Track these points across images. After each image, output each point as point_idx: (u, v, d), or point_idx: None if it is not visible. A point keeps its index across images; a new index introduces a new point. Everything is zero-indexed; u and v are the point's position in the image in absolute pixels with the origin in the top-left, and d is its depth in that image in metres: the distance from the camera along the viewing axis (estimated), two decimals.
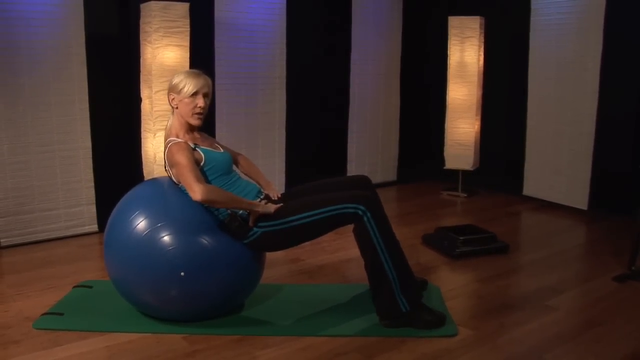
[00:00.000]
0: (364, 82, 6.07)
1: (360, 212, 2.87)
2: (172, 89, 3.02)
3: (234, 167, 3.24)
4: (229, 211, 2.92)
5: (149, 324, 3.00)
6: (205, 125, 4.87)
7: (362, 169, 6.16)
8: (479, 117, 5.95)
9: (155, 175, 4.39)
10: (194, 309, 2.98)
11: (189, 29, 4.40)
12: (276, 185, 5.22)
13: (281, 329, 2.98)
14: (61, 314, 3.10)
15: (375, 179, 6.33)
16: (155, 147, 4.37)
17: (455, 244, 4.10)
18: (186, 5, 4.37)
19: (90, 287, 3.48)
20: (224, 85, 5.07)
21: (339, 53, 5.98)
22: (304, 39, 5.71)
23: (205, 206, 2.92)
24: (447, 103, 5.99)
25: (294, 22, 5.46)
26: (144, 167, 4.58)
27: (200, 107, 3.01)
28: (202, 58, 4.82)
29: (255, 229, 2.93)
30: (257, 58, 5.26)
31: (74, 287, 3.49)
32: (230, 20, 5.01)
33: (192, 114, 3.02)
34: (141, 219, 2.89)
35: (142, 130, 4.55)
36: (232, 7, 5.01)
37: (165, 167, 3.05)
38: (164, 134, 3.16)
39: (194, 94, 2.99)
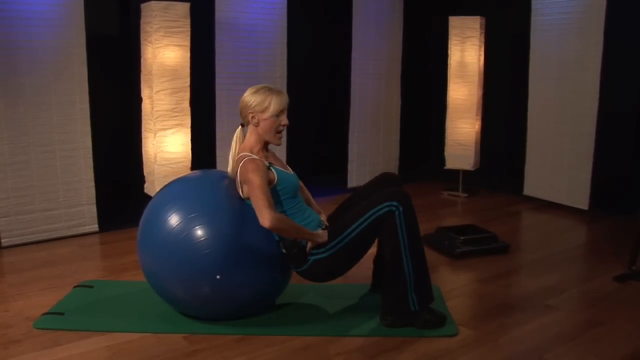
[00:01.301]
0: (364, 82, 6.07)
1: (393, 208, 2.87)
2: (255, 107, 2.95)
3: None
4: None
5: (149, 323, 3.00)
6: (205, 125, 4.91)
7: (363, 169, 6.16)
8: (479, 117, 5.95)
9: (155, 175, 4.40)
10: (225, 308, 2.98)
11: (189, 29, 4.42)
12: None
13: (282, 329, 2.98)
14: (62, 314, 3.10)
15: None
16: (155, 147, 4.38)
17: (455, 244, 4.10)
18: (187, 5, 4.38)
19: (91, 286, 3.48)
20: (224, 86, 5.07)
21: (340, 53, 5.98)
22: (304, 39, 5.72)
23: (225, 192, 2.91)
24: (447, 103, 5.99)
25: (294, 22, 5.46)
26: (144, 166, 4.59)
27: (284, 125, 3.01)
28: (202, 58, 4.84)
29: (308, 257, 2.94)
30: (258, 58, 5.26)
31: (75, 287, 3.49)
32: (231, 20, 5.01)
33: (276, 133, 3.00)
34: (180, 219, 2.85)
35: (142, 130, 4.56)
36: (232, 7, 5.01)
37: (235, 181, 2.99)
38: (232, 146, 3.09)
39: (281, 112, 2.98)
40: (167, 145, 4.42)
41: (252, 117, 2.97)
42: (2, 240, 4.19)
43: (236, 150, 3.07)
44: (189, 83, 4.47)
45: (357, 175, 6.13)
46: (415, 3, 6.43)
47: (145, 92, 4.46)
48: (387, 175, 3.33)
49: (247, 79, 5.23)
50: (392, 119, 6.40)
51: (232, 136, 3.14)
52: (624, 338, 2.92)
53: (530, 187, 5.72)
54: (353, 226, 2.91)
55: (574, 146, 5.26)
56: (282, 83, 5.42)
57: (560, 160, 5.38)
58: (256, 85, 3.03)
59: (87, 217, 4.52)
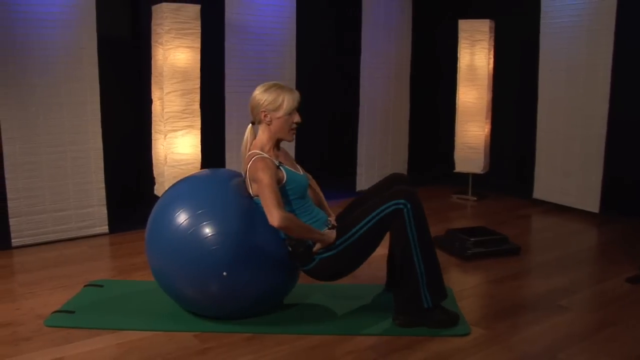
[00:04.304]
0: (374, 85, 6.07)
1: (401, 206, 2.87)
2: (268, 106, 2.94)
3: None
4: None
5: (160, 322, 3.00)
6: (215, 127, 4.92)
7: (372, 172, 6.15)
8: (489, 120, 5.94)
9: (165, 177, 4.40)
10: (233, 306, 2.97)
11: (200, 31, 4.42)
12: None
13: (292, 328, 2.97)
14: (72, 312, 3.10)
15: None
16: (165, 148, 4.38)
17: (466, 246, 4.08)
18: (197, 7, 4.39)
19: (101, 286, 3.48)
20: (234, 88, 5.07)
21: (349, 56, 5.98)
22: (314, 42, 5.73)
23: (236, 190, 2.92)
24: (457, 106, 5.98)
25: (304, 25, 5.47)
26: (154, 168, 4.60)
27: (297, 122, 2.99)
28: (212, 60, 4.85)
29: (314, 257, 2.93)
30: (267, 60, 5.27)
31: (85, 286, 3.49)
32: (241, 22, 5.02)
33: (289, 130, 2.99)
34: (187, 216, 2.85)
35: (152, 131, 4.57)
36: (242, 9, 5.02)
37: (244, 178, 3.00)
38: (243, 144, 3.09)
39: (293, 111, 2.97)
40: (177, 146, 4.42)
41: (265, 116, 2.96)
42: (13, 241, 4.19)
43: (247, 148, 3.06)
44: (199, 85, 4.47)
45: (366, 178, 6.11)
46: (424, 6, 6.43)
47: (155, 94, 4.47)
48: (395, 175, 3.33)
49: (256, 81, 5.13)
50: (401, 122, 6.39)
51: (242, 138, 3.15)
52: (638, 339, 2.89)
53: (540, 191, 5.69)
54: (360, 225, 2.90)
55: (584, 149, 5.24)
56: (291, 85, 5.39)
57: (571, 163, 5.36)
58: (267, 83, 3.03)
59: (97, 218, 4.52)
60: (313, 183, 3.33)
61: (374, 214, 2.89)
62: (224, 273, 2.80)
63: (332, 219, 3.13)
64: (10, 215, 4.17)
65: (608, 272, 3.83)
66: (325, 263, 2.93)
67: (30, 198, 4.23)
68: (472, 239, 4.09)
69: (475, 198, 5.92)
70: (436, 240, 4.35)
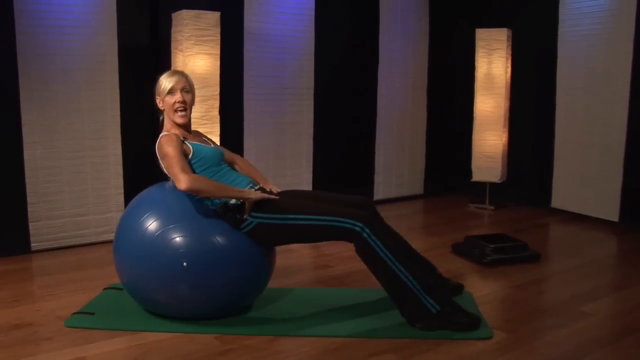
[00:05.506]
0: (391, 94, 6.07)
1: (358, 229, 2.85)
2: (156, 93, 3.12)
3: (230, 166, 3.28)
4: (223, 201, 2.94)
5: (180, 324, 2.99)
6: (233, 134, 4.93)
7: (389, 181, 6.14)
8: (506, 129, 5.92)
9: None
10: (202, 307, 2.99)
11: (219, 38, 4.45)
12: None
13: (314, 330, 2.95)
14: (92, 314, 3.11)
15: (402, 191, 6.30)
16: None
17: (485, 252, 4.05)
18: (217, 14, 4.42)
19: (121, 289, 3.47)
20: (252, 95, 5.10)
21: (367, 64, 5.99)
22: (332, 50, 5.74)
23: (197, 198, 2.96)
24: (474, 115, 5.97)
25: (322, 34, 5.50)
26: None
27: (178, 102, 3.07)
28: (231, 67, 4.87)
29: (250, 219, 2.94)
30: (286, 68, 5.30)
31: (105, 288, 3.50)
32: (260, 30, 5.05)
33: (174, 111, 3.08)
34: (143, 218, 2.96)
35: None
36: (261, 17, 5.06)
37: (157, 162, 3.09)
38: None
39: (171, 91, 3.06)
40: None
41: (159, 102, 3.12)
42: (32, 245, 4.21)
43: None
44: (218, 91, 4.49)
45: (383, 187, 6.11)
46: (441, 15, 6.44)
47: None
48: (362, 199, 3.30)
49: (274, 89, 5.26)
50: (418, 131, 6.39)
51: (261, 144, 3.19)
52: None
53: (558, 200, 5.65)
54: (311, 216, 2.91)
55: (603, 157, 5.20)
56: (309, 94, 5.44)
57: (589, 171, 5.32)
58: None
59: (115, 224, 4.50)
60: (240, 158, 3.45)
61: (330, 217, 2.89)
62: (184, 263, 2.82)
63: (269, 186, 3.18)
64: (30, 220, 4.20)
65: (630, 278, 3.79)
66: (262, 228, 2.95)
67: (50, 203, 4.26)
68: (492, 246, 4.06)
69: (492, 207, 5.89)
70: (455, 246, 4.35)
